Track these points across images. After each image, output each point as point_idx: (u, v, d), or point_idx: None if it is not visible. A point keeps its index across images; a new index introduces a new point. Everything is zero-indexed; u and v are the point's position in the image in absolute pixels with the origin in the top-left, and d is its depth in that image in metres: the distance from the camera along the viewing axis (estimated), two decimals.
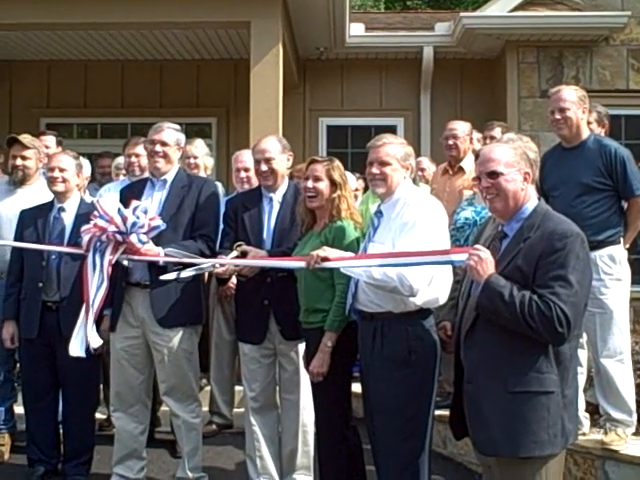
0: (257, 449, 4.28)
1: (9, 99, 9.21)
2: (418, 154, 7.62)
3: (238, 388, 5.25)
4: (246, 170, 5.09)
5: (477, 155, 4.89)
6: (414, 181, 4.64)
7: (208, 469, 4.54)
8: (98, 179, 6.43)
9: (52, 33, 7.84)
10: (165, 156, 4.33)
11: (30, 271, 4.51)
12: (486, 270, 2.84)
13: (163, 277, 4.03)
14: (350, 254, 3.55)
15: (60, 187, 4.54)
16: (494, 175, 2.95)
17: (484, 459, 3.05)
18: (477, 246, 2.96)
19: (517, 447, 2.80)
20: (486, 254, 2.87)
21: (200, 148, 5.70)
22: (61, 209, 4.57)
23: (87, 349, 3.95)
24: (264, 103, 6.27)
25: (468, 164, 5.45)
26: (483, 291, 2.82)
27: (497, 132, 5.66)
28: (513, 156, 2.97)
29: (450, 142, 5.57)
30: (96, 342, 3.97)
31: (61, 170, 4.53)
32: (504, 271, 2.84)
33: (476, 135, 5.80)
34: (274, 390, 4.39)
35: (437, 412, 3.68)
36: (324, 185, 3.88)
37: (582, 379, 4.33)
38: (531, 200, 2.98)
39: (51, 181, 4.54)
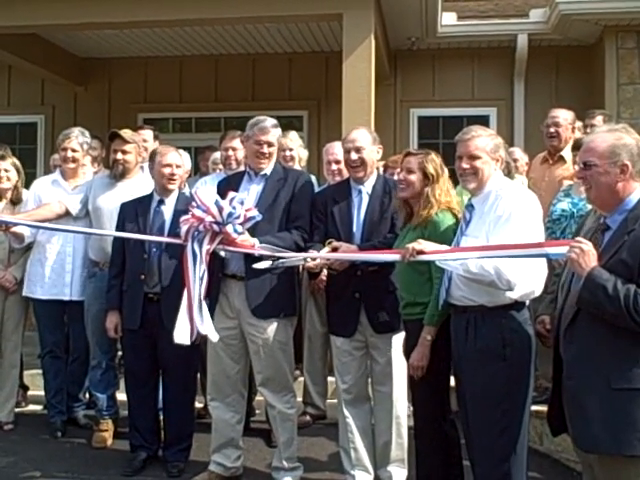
0: (351, 441, 4.30)
1: (108, 95, 9.52)
2: (511, 145, 7.49)
3: (331, 379, 5.26)
4: (337, 162, 5.10)
5: (576, 144, 4.82)
6: (510, 172, 4.56)
7: (302, 459, 4.58)
8: (203, 171, 6.57)
9: (149, 30, 8.06)
10: (270, 156, 4.39)
11: (132, 263, 4.62)
12: (588, 263, 2.75)
13: (256, 265, 4.06)
14: (446, 247, 3.50)
15: (175, 185, 4.64)
16: (587, 166, 2.88)
17: (585, 456, 2.98)
18: (579, 238, 2.87)
19: (621, 445, 2.72)
20: (588, 246, 2.78)
21: (295, 140, 5.77)
22: (161, 202, 4.65)
23: (192, 337, 3.99)
24: (356, 95, 6.25)
25: (569, 153, 5.31)
26: (585, 284, 2.74)
27: (598, 120, 5.53)
28: (611, 147, 2.86)
29: (552, 130, 5.45)
30: (208, 329, 3.98)
31: (178, 167, 4.62)
32: (607, 264, 2.75)
33: (577, 124, 5.65)
34: (366, 382, 4.40)
35: (533, 407, 3.61)
36: (415, 177, 3.87)
37: None
38: (635, 191, 2.87)
39: (169, 178, 4.60)
